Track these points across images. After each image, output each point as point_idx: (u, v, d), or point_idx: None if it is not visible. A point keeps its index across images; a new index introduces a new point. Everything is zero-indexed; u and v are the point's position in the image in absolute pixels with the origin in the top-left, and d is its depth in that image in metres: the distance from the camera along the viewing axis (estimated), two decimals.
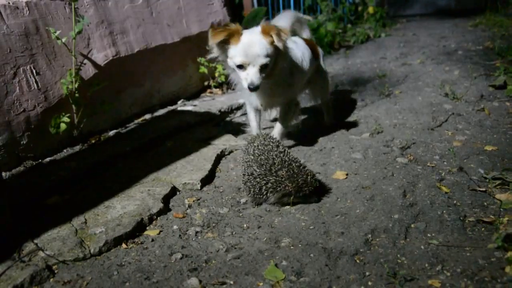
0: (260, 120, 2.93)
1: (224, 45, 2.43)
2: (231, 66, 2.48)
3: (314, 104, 3.52)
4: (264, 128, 3.30)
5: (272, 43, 2.39)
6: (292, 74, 2.68)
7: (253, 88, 2.39)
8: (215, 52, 2.52)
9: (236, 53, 2.40)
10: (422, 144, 2.73)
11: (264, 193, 2.04)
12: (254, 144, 2.22)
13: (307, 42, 3.01)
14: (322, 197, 2.18)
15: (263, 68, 2.40)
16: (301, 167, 2.06)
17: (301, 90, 3.08)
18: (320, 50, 3.19)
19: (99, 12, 3.07)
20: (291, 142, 2.96)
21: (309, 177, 2.03)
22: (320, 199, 2.14)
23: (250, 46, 2.37)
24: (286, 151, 2.15)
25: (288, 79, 2.66)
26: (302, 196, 2.06)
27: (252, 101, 2.77)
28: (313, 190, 2.07)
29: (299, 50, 2.78)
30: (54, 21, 2.74)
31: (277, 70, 2.53)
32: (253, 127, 2.90)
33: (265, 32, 2.39)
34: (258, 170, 2.05)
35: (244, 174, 2.14)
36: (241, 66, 2.41)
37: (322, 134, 3.08)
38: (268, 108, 2.93)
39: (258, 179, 2.04)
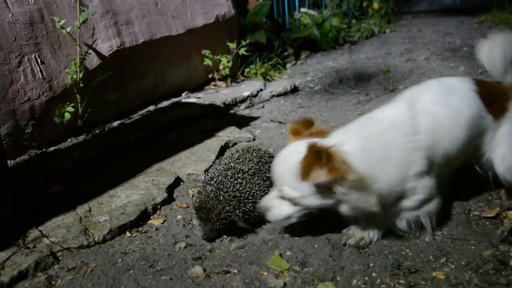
0: None
1: None
2: None
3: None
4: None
5: (313, 175, 1.48)
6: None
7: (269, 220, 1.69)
8: None
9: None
10: None
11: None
12: (240, 153, 1.96)
13: (486, 87, 1.84)
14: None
15: (290, 201, 1.60)
16: (227, 202, 1.72)
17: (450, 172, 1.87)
18: None
19: (104, 2, 3.06)
20: None
21: (215, 213, 1.71)
22: (210, 240, 1.78)
23: (281, 163, 1.63)
24: (248, 183, 1.80)
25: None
26: (201, 220, 1.78)
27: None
28: (212, 227, 1.76)
29: (448, 110, 1.70)
30: (59, 10, 2.74)
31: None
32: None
33: (311, 153, 1.51)
34: (208, 175, 1.87)
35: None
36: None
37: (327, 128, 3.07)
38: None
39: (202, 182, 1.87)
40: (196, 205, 1.76)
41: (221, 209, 1.72)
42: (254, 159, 1.92)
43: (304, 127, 1.70)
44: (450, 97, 1.74)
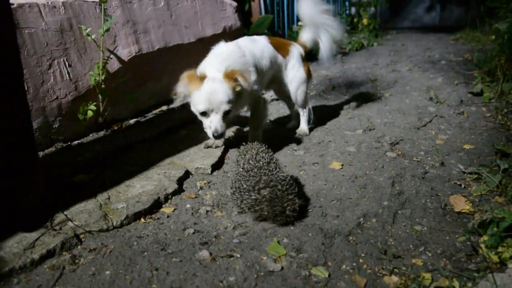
0: None
1: (188, 89, 2.20)
2: (194, 112, 2.26)
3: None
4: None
5: (234, 88, 2.17)
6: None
7: (217, 136, 2.18)
8: (180, 97, 2.27)
9: (199, 100, 2.16)
10: (409, 141, 2.73)
11: (245, 208, 1.81)
12: (246, 157, 1.94)
13: (275, 40, 2.75)
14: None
15: (226, 115, 2.18)
16: (285, 192, 1.73)
17: (265, 87, 2.86)
18: (293, 49, 2.85)
19: (125, 12, 3.06)
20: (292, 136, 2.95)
21: (287, 209, 1.72)
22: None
23: (213, 93, 2.13)
24: (277, 169, 1.86)
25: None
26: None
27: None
28: (288, 220, 1.76)
29: (256, 49, 2.54)
30: (85, 20, 2.73)
31: (243, 101, 2.34)
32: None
33: (228, 77, 2.16)
34: (244, 185, 1.79)
35: (231, 187, 1.90)
36: (204, 113, 2.19)
37: (321, 130, 3.08)
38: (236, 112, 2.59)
39: (242, 193, 1.80)
40: (271, 210, 1.73)
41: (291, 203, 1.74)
42: (269, 160, 1.92)
43: (195, 76, 2.21)
44: (255, 43, 2.61)
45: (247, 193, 1.78)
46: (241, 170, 1.88)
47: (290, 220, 1.76)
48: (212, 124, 2.17)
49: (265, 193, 1.73)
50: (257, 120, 2.61)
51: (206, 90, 2.15)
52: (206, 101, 2.15)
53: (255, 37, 2.72)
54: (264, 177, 1.78)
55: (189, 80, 2.18)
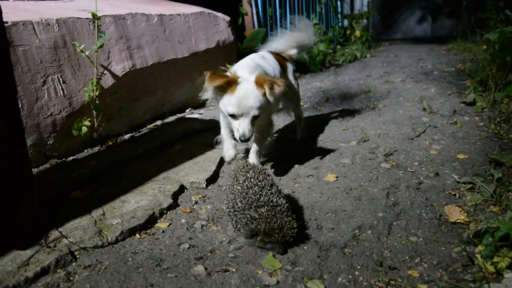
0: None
1: (218, 90, 2.18)
2: (223, 110, 2.24)
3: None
4: None
5: (264, 94, 2.15)
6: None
7: (244, 140, 2.16)
8: (208, 95, 2.25)
9: (230, 103, 2.15)
10: (403, 152, 2.75)
11: (238, 227, 1.72)
12: (248, 174, 1.83)
13: (276, 56, 2.77)
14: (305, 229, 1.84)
15: (254, 119, 2.17)
16: (284, 214, 1.65)
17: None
18: (289, 65, 2.93)
19: (119, 29, 3.08)
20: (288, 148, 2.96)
21: (286, 227, 1.62)
22: (285, 252, 1.67)
23: (244, 98, 2.13)
24: (278, 193, 1.77)
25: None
26: (269, 242, 1.66)
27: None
28: (283, 241, 1.65)
29: (269, 65, 2.57)
30: (79, 36, 2.75)
31: (266, 114, 2.30)
32: (229, 146, 2.57)
33: (259, 84, 2.14)
34: (239, 204, 1.71)
35: (228, 208, 1.81)
36: (233, 116, 2.18)
37: (315, 142, 3.09)
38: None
39: (237, 213, 1.72)
40: (266, 226, 1.62)
41: (290, 224, 1.66)
42: (272, 183, 1.85)
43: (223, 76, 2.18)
44: (265, 60, 2.63)
45: (243, 213, 1.68)
46: (239, 188, 1.77)
47: (289, 238, 1.65)
48: (240, 127, 2.16)
49: (263, 211, 1.64)
50: (260, 140, 2.51)
51: (239, 94, 2.14)
52: (237, 105, 2.14)
53: (262, 53, 2.75)
54: (263, 197, 1.70)
55: (221, 81, 2.13)
